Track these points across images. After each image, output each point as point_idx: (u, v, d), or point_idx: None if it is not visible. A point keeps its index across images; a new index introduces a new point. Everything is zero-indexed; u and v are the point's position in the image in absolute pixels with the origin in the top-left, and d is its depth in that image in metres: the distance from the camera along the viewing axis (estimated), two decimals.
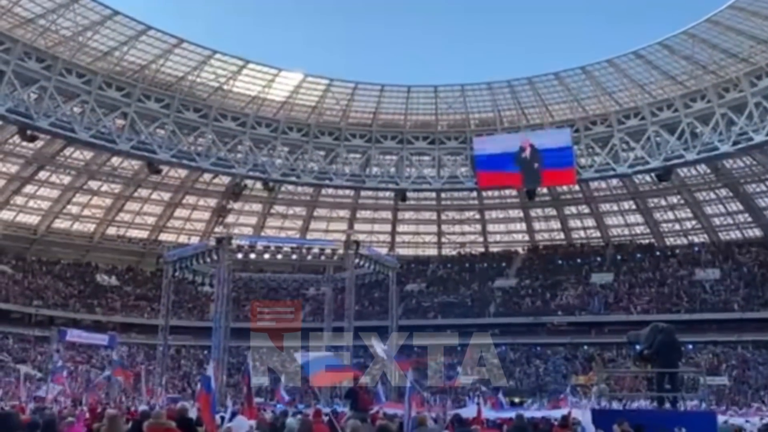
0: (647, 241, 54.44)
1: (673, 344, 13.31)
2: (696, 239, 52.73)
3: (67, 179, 48.97)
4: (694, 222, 52.48)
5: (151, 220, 54.40)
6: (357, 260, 38.65)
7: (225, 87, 43.71)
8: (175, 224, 55.28)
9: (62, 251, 52.72)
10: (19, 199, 48.92)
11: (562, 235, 57.00)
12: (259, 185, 49.34)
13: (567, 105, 45.30)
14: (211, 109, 44.22)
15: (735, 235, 51.78)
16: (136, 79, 41.61)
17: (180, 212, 54.89)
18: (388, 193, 51.72)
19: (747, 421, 18.26)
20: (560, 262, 54.73)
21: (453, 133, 47.65)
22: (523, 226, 57.44)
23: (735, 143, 39.17)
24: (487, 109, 46.59)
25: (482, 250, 58.46)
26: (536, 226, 57.29)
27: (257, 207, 55.55)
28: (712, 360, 42.67)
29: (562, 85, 43.77)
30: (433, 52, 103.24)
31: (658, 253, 52.70)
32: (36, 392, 29.86)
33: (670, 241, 54.09)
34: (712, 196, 50.22)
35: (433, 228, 58.30)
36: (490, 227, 58.08)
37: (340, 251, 39.21)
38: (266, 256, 39.71)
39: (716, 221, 51.47)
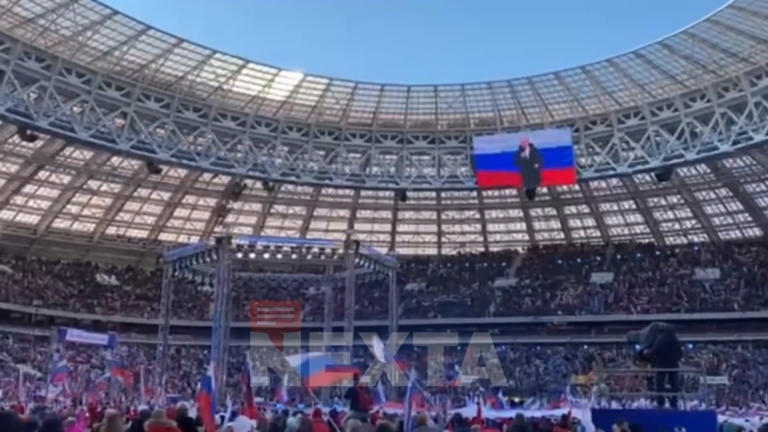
0: (647, 240, 54.41)
1: (673, 344, 13.29)
2: (696, 239, 52.71)
3: (66, 179, 48.94)
4: (693, 221, 52.48)
5: (150, 219, 54.38)
6: (357, 260, 38.61)
7: (225, 87, 43.69)
8: (175, 224, 55.25)
9: (62, 251, 52.68)
10: (18, 199, 48.89)
11: (562, 235, 56.97)
12: (258, 185, 49.31)
13: (567, 105, 45.30)
14: (210, 108, 44.21)
15: (735, 234, 51.78)
16: (136, 79, 41.59)
17: (180, 212, 54.87)
18: (388, 193, 51.73)
19: (747, 421, 18.24)
20: (560, 261, 54.68)
21: (453, 132, 47.64)
22: (523, 225, 57.41)
23: (735, 143, 39.15)
24: (487, 109, 46.59)
25: (482, 249, 58.42)
26: (536, 225, 57.27)
27: (257, 207, 55.51)
28: (712, 360, 42.63)
29: (562, 85, 43.77)
30: (433, 52, 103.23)
31: (658, 252, 52.66)
32: (36, 392, 29.85)
33: (670, 240, 54.08)
34: (712, 195, 50.23)
35: (433, 228, 58.28)
36: (490, 227, 58.05)
37: (340, 251, 39.14)
38: (266, 255, 39.74)
39: (716, 221, 51.48)
